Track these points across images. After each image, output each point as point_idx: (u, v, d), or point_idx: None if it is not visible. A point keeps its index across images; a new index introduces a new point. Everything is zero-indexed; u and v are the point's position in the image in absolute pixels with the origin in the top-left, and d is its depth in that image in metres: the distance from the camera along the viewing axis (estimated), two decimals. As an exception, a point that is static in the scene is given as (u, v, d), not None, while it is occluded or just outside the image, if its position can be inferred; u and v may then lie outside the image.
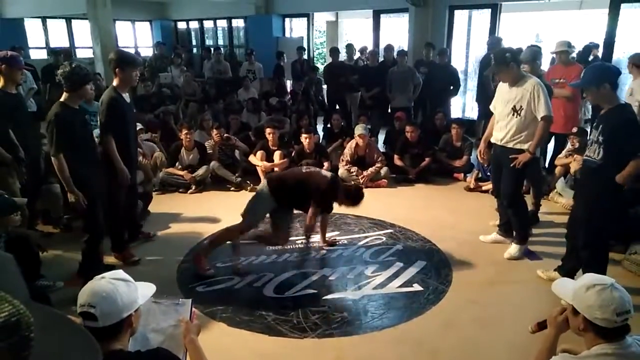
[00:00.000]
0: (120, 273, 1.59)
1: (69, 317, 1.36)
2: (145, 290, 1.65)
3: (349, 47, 8.59)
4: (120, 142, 3.66)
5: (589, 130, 6.93)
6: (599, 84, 2.95)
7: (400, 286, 3.50)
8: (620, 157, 2.91)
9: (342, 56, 8.30)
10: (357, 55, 9.04)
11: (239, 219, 4.72)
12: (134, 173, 3.97)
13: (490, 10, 8.27)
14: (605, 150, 2.94)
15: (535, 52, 4.74)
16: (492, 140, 3.97)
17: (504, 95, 3.79)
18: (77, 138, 3.23)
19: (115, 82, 3.70)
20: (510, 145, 3.74)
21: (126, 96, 3.78)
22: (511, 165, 3.67)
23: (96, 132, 4.77)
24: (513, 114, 3.68)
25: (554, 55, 5.69)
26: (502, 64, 3.65)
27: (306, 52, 10.29)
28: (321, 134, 7.64)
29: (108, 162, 3.63)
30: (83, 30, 11.05)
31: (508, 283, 3.58)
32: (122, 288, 1.51)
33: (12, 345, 0.54)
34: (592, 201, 3.08)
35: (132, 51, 11.67)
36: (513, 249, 3.93)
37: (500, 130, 3.82)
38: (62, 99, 3.25)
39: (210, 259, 3.93)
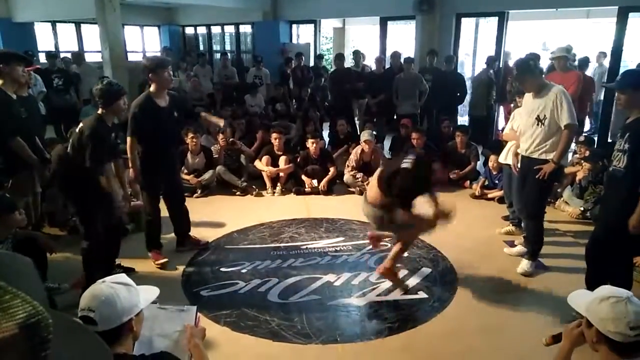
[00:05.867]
0: (122, 277, 1.58)
1: (79, 321, 1.37)
2: (147, 295, 1.64)
3: (356, 54, 8.60)
4: (151, 146, 3.72)
5: (595, 139, 6.95)
6: (637, 88, 2.84)
7: (405, 293, 3.49)
8: None
9: (349, 62, 8.30)
10: (365, 62, 9.03)
11: (243, 223, 4.76)
12: (173, 177, 4.05)
13: (497, 18, 8.28)
14: (630, 158, 2.86)
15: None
16: (519, 151, 3.90)
17: (528, 106, 3.72)
18: (105, 154, 3.28)
19: (152, 88, 3.71)
20: (535, 155, 3.65)
21: (161, 101, 3.73)
22: (536, 176, 3.56)
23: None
24: (537, 124, 3.59)
25: (553, 61, 5.63)
26: (526, 71, 3.56)
27: (310, 58, 10.32)
28: (327, 139, 7.65)
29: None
30: (92, 34, 11.16)
31: (513, 292, 3.55)
32: (123, 292, 1.51)
33: (31, 347, 0.55)
34: (617, 211, 2.96)
35: (140, 56, 11.79)
36: (525, 264, 3.81)
37: (526, 141, 3.73)
38: (99, 112, 3.29)
39: (214, 264, 3.94)
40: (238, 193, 5.78)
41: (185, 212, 4.17)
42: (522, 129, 3.84)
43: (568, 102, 3.48)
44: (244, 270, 3.81)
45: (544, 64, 6.34)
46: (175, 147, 4.22)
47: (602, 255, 3.14)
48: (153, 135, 3.70)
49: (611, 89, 3.97)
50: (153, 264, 3.88)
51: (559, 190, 5.26)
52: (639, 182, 2.83)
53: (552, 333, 1.92)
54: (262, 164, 5.89)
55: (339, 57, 7.99)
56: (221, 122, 4.27)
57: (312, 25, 11.22)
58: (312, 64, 9.81)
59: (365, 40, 14.16)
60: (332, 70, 8.02)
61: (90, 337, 0.80)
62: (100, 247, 3.39)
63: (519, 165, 4.01)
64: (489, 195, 5.55)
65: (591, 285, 3.33)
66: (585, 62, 7.32)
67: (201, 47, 13.38)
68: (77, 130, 3.27)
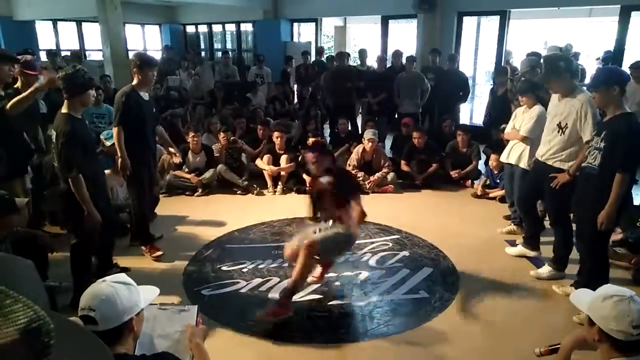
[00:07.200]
0: (122, 276, 1.58)
1: (79, 323, 1.36)
2: (148, 294, 1.63)
3: (362, 52, 8.57)
4: (136, 137, 3.78)
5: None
6: (609, 85, 2.86)
7: (406, 293, 3.48)
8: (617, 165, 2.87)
9: (352, 61, 8.27)
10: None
11: (244, 222, 4.76)
12: (154, 168, 4.16)
13: (499, 17, 8.26)
14: (604, 157, 2.89)
15: (533, 62, 4.69)
16: (535, 154, 3.77)
17: (552, 109, 3.53)
18: (87, 151, 3.15)
19: (134, 81, 3.84)
20: (550, 162, 3.50)
21: (144, 94, 3.89)
22: (551, 185, 3.43)
23: (104, 133, 4.81)
24: (558, 131, 3.41)
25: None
26: (553, 73, 3.37)
27: (312, 56, 10.30)
28: (328, 138, 7.63)
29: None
30: (93, 33, 11.16)
31: (515, 291, 3.54)
32: (123, 291, 1.50)
33: (33, 352, 0.54)
34: (589, 209, 3.01)
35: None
36: (544, 269, 3.69)
37: (544, 145, 3.58)
38: (64, 110, 3.04)
39: (215, 263, 3.94)
40: (239, 192, 5.78)
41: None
42: (544, 131, 3.64)
43: (594, 113, 3.24)
44: (245, 270, 3.81)
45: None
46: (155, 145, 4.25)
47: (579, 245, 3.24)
48: (140, 127, 3.79)
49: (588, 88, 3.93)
50: (149, 260, 3.95)
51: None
52: (611, 182, 2.87)
53: (548, 341, 1.91)
54: (263, 163, 5.89)
55: (340, 56, 7.96)
56: None
57: (314, 23, 11.21)
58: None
59: (366, 39, 14.12)
60: (333, 68, 7.95)
61: (90, 339, 0.80)
62: (90, 246, 3.32)
63: (510, 161, 4.04)
64: (491, 195, 5.54)
65: (579, 278, 3.33)
66: (609, 57, 7.33)
67: (202, 46, 13.38)
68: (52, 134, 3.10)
